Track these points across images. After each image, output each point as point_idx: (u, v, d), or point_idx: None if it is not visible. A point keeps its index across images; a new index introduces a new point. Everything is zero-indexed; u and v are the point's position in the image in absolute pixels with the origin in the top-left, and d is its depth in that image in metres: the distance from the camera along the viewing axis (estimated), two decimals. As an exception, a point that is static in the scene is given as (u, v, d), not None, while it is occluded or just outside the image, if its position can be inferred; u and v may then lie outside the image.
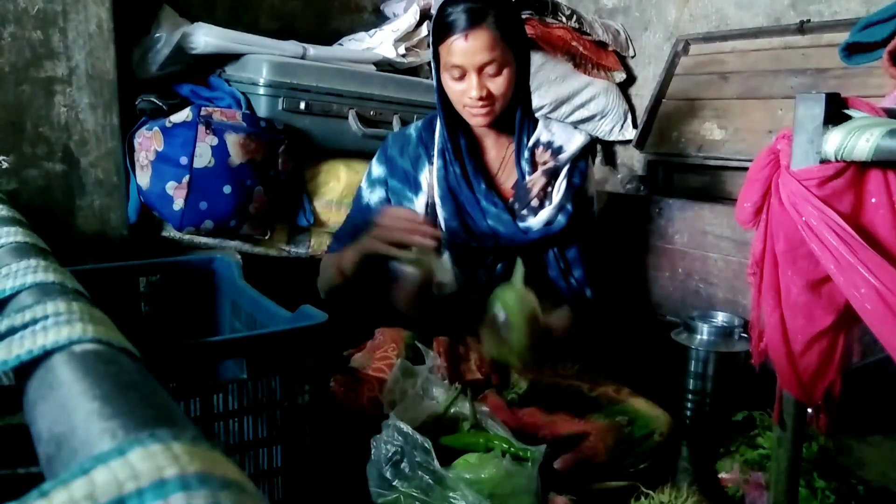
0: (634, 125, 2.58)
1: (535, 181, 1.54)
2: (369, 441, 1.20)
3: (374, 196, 1.60)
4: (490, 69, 1.42)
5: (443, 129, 1.54)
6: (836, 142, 0.90)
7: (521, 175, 1.56)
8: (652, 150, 2.39)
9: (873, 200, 0.92)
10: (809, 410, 1.10)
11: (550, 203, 1.53)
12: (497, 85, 1.44)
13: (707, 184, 2.35)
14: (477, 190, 1.53)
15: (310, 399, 1.09)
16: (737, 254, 1.89)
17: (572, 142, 1.56)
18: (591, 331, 1.65)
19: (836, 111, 0.93)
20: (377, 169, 1.62)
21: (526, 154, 1.55)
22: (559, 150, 1.55)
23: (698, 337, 1.80)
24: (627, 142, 2.60)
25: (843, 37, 1.65)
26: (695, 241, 2.00)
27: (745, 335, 1.78)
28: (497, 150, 1.59)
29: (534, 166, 1.55)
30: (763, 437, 1.45)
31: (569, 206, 1.54)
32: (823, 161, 0.92)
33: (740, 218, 1.04)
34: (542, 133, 1.56)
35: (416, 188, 1.56)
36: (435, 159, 1.55)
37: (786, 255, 0.98)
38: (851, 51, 1.61)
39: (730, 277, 1.91)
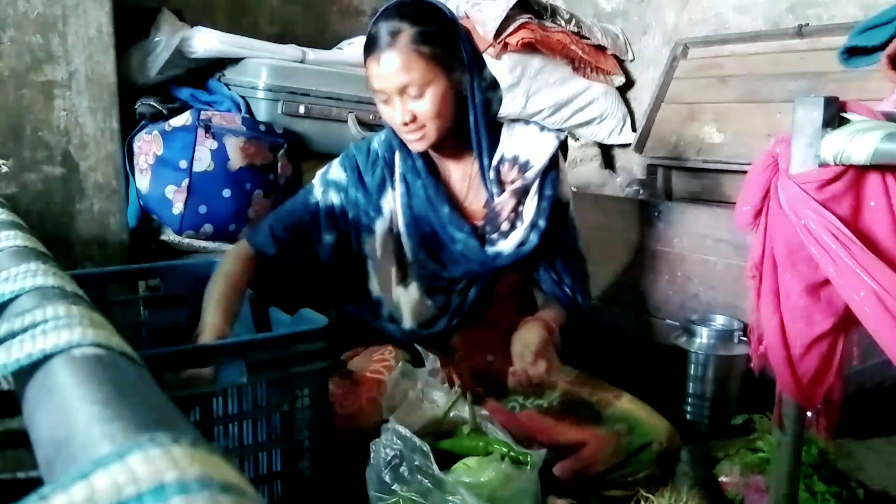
0: (633, 129, 2.59)
1: (504, 203, 1.42)
2: (368, 443, 1.19)
3: (326, 198, 1.46)
4: (411, 90, 1.30)
5: (400, 152, 1.43)
6: (834, 145, 0.90)
7: (490, 195, 1.44)
8: (651, 154, 2.39)
9: (872, 204, 0.92)
10: (809, 414, 1.10)
11: (522, 223, 1.43)
12: (421, 106, 1.31)
13: (706, 187, 2.35)
14: (441, 215, 1.42)
15: (309, 403, 1.09)
16: (736, 257, 1.89)
17: (539, 153, 1.43)
18: (587, 335, 1.62)
19: (834, 115, 0.93)
20: (338, 173, 1.48)
21: (491, 174, 1.43)
22: (526, 167, 1.42)
23: (698, 340, 1.80)
24: (626, 145, 2.60)
25: (841, 40, 1.66)
26: (694, 244, 2.00)
27: (745, 339, 1.78)
28: (462, 169, 1.47)
29: (501, 185, 1.43)
30: (763, 441, 1.45)
31: (541, 223, 1.42)
32: (822, 164, 0.92)
33: (739, 221, 1.04)
34: (505, 147, 1.44)
35: (377, 212, 1.45)
36: (397, 184, 1.44)
37: (785, 259, 0.98)
38: (850, 54, 1.62)
39: (729, 281, 1.91)
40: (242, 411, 1.06)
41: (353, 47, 2.22)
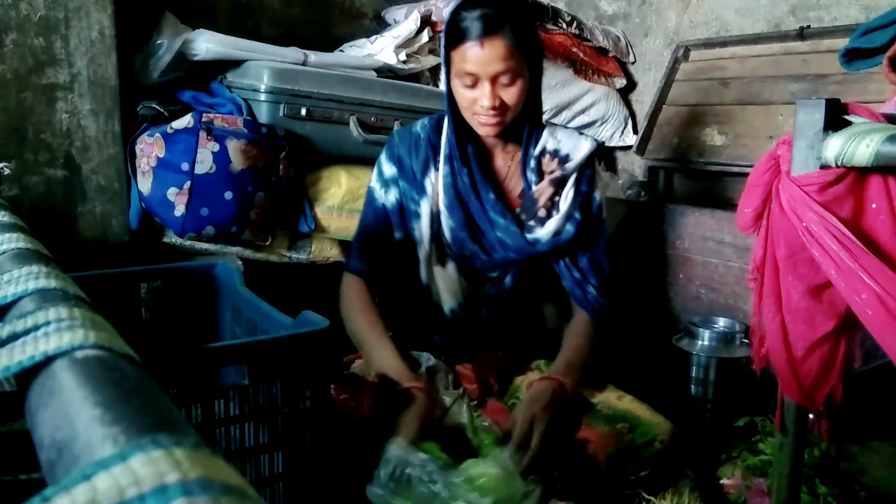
0: (635, 131, 2.59)
1: (542, 191, 1.50)
2: (370, 449, 1.19)
3: (389, 197, 1.54)
4: (504, 79, 1.37)
5: (451, 135, 1.49)
6: (836, 147, 0.90)
7: (527, 184, 1.52)
8: (652, 156, 2.40)
9: (874, 206, 0.92)
10: (811, 416, 1.09)
11: (558, 212, 1.50)
12: (510, 95, 1.39)
13: (707, 189, 2.35)
14: (485, 200, 1.49)
15: (311, 405, 1.08)
16: (738, 259, 1.89)
17: (579, 149, 1.52)
18: (608, 338, 1.63)
19: (836, 117, 0.93)
20: (388, 168, 1.56)
21: (532, 163, 1.51)
22: (566, 159, 1.51)
23: (699, 343, 1.80)
24: (628, 147, 2.60)
25: (842, 42, 1.66)
26: (695, 246, 2.00)
27: (747, 341, 1.78)
28: (503, 159, 1.55)
29: (540, 175, 1.51)
30: (765, 443, 1.45)
31: (577, 215, 1.50)
32: (824, 167, 0.92)
33: (741, 223, 1.04)
34: (547, 141, 1.53)
35: (421, 191, 1.52)
36: (441, 165, 1.50)
37: (786, 261, 0.98)
38: (851, 56, 1.61)
39: (731, 283, 1.91)
40: (244, 413, 1.06)
41: (354, 49, 2.23)
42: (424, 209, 1.52)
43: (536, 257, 1.51)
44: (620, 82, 2.62)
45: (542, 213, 1.50)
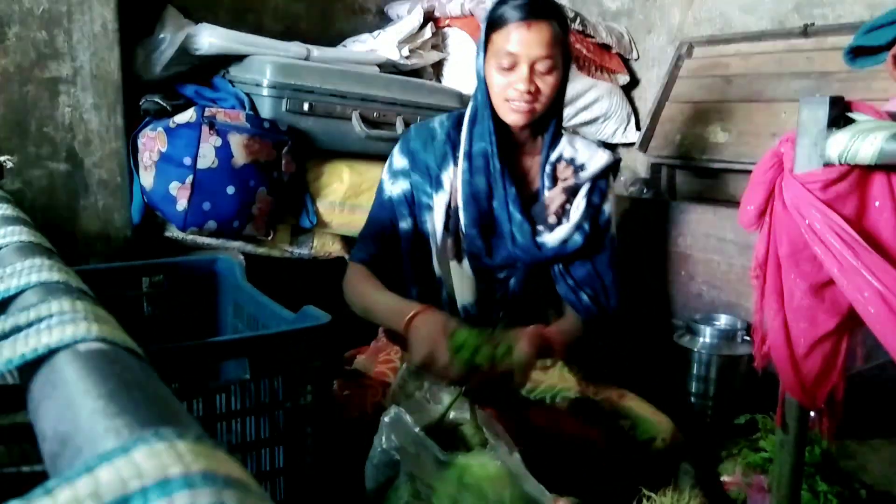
0: (638, 128, 2.58)
1: (554, 198, 1.50)
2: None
3: (396, 189, 1.54)
4: (542, 66, 1.38)
5: (483, 127, 1.48)
6: (839, 145, 0.90)
7: (542, 188, 1.52)
8: (655, 153, 2.39)
9: (877, 204, 0.92)
10: (812, 414, 1.09)
11: (568, 221, 1.49)
12: (545, 84, 1.40)
13: (710, 187, 2.35)
14: (508, 194, 1.49)
15: (312, 400, 1.08)
16: (740, 257, 1.89)
17: (595, 160, 1.52)
18: (602, 344, 1.63)
19: (839, 114, 0.93)
20: (400, 160, 1.55)
21: (548, 168, 1.51)
22: (581, 168, 1.51)
23: (701, 340, 1.80)
24: (630, 144, 2.60)
25: (847, 40, 1.65)
26: (698, 243, 2.00)
27: (748, 338, 1.78)
28: (527, 157, 1.55)
29: (554, 181, 1.51)
30: (765, 441, 1.45)
31: (586, 226, 1.50)
32: (827, 164, 0.92)
33: (743, 221, 1.04)
34: (565, 148, 1.53)
35: (437, 186, 1.51)
36: (461, 161, 1.50)
37: (789, 259, 0.98)
38: (855, 54, 1.61)
39: (733, 280, 1.91)
40: (245, 407, 1.06)
41: (357, 45, 2.22)
42: (439, 203, 1.51)
43: (539, 261, 1.50)
44: (624, 79, 2.61)
45: (552, 219, 1.49)
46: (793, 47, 2.14)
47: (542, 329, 1.37)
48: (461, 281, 1.54)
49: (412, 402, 1.28)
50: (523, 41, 1.37)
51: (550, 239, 1.48)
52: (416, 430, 1.15)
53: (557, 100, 1.48)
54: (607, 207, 1.56)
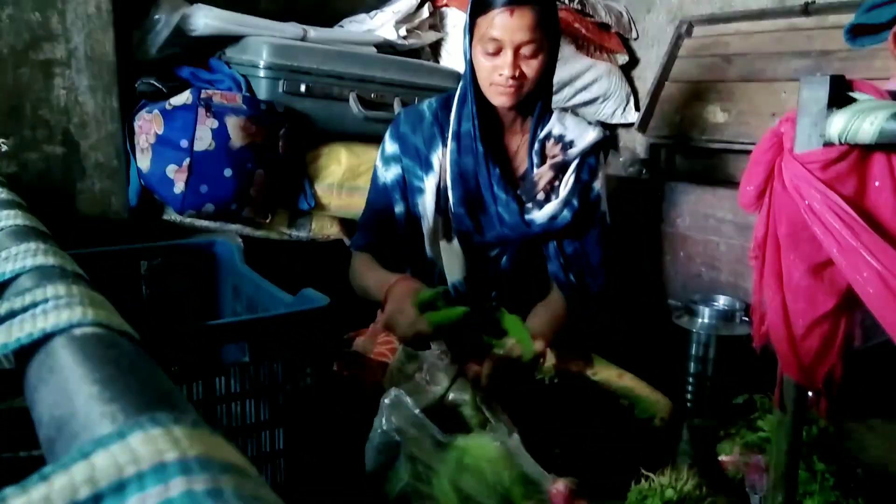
0: (637, 108, 2.57)
1: (543, 175, 1.51)
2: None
3: (389, 174, 1.56)
4: (526, 50, 1.39)
5: (468, 108, 1.50)
6: (840, 125, 0.89)
7: (530, 166, 1.53)
8: (654, 134, 2.38)
9: (877, 184, 0.91)
10: (810, 394, 1.10)
11: (556, 198, 1.50)
12: (530, 67, 1.41)
13: (710, 167, 2.34)
14: (492, 174, 1.50)
15: (312, 382, 1.09)
16: (739, 237, 1.89)
17: (584, 137, 1.53)
18: (595, 324, 1.63)
19: (840, 94, 0.92)
20: (391, 146, 1.58)
21: (537, 146, 1.52)
22: (570, 145, 1.52)
23: (700, 320, 1.80)
24: (630, 125, 2.59)
25: (847, 18, 1.64)
26: (697, 224, 2.00)
27: (747, 319, 1.78)
28: (514, 137, 1.57)
29: (543, 159, 1.53)
30: (763, 421, 1.45)
31: (575, 202, 1.51)
32: (827, 144, 0.91)
33: (743, 201, 1.03)
34: (554, 125, 1.54)
35: (427, 168, 1.53)
36: (449, 141, 1.52)
37: (788, 239, 0.97)
38: (856, 33, 1.60)
39: (732, 261, 1.91)
40: (245, 390, 1.06)
41: (354, 25, 2.20)
42: (429, 185, 1.52)
43: (529, 238, 1.51)
44: (623, 59, 2.59)
45: (540, 196, 1.51)
46: (793, 26, 2.13)
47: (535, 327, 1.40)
48: (451, 259, 1.55)
49: (411, 384, 1.29)
50: (507, 27, 1.37)
51: (539, 216, 1.50)
52: (416, 411, 1.15)
53: (544, 80, 1.48)
54: (597, 185, 1.57)
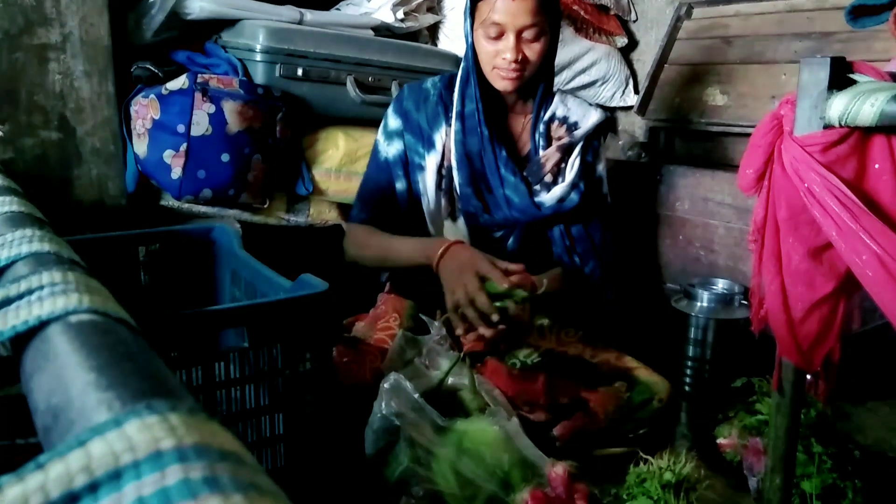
0: (636, 91, 2.56)
1: (549, 156, 1.52)
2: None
3: (391, 149, 1.56)
4: (529, 34, 1.40)
5: (472, 90, 1.50)
6: (840, 107, 0.88)
7: (535, 148, 1.54)
8: (653, 116, 2.37)
9: (877, 166, 0.91)
10: (808, 377, 1.10)
11: (563, 180, 1.51)
12: (532, 51, 1.42)
13: (709, 150, 2.33)
14: (499, 156, 1.50)
15: (311, 367, 1.09)
16: (738, 221, 1.88)
17: (588, 118, 1.54)
18: (596, 306, 1.64)
19: (840, 76, 0.91)
20: (394, 121, 1.58)
21: (541, 128, 1.53)
22: (575, 126, 1.53)
23: (698, 304, 1.80)
24: (629, 108, 2.58)
25: (848, 0, 1.63)
26: (696, 207, 1.99)
27: (746, 302, 1.78)
28: (517, 119, 1.57)
29: (548, 141, 1.53)
30: (762, 404, 1.46)
31: (582, 185, 1.52)
32: (827, 127, 0.91)
33: (742, 184, 1.03)
34: (557, 107, 1.54)
35: (429, 146, 1.53)
36: (453, 121, 1.52)
37: (787, 222, 0.97)
38: (857, 14, 1.59)
39: (731, 244, 1.91)
40: (244, 375, 1.06)
41: (351, 7, 2.19)
42: (430, 163, 1.52)
43: (538, 221, 1.51)
44: (622, 41, 2.58)
45: (548, 178, 1.52)
46: (793, 7, 2.11)
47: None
48: (454, 238, 1.55)
49: (410, 369, 1.29)
50: (509, 11, 1.37)
51: (548, 198, 1.51)
52: (416, 395, 1.16)
53: (546, 63, 1.48)
54: (600, 167, 1.59)
